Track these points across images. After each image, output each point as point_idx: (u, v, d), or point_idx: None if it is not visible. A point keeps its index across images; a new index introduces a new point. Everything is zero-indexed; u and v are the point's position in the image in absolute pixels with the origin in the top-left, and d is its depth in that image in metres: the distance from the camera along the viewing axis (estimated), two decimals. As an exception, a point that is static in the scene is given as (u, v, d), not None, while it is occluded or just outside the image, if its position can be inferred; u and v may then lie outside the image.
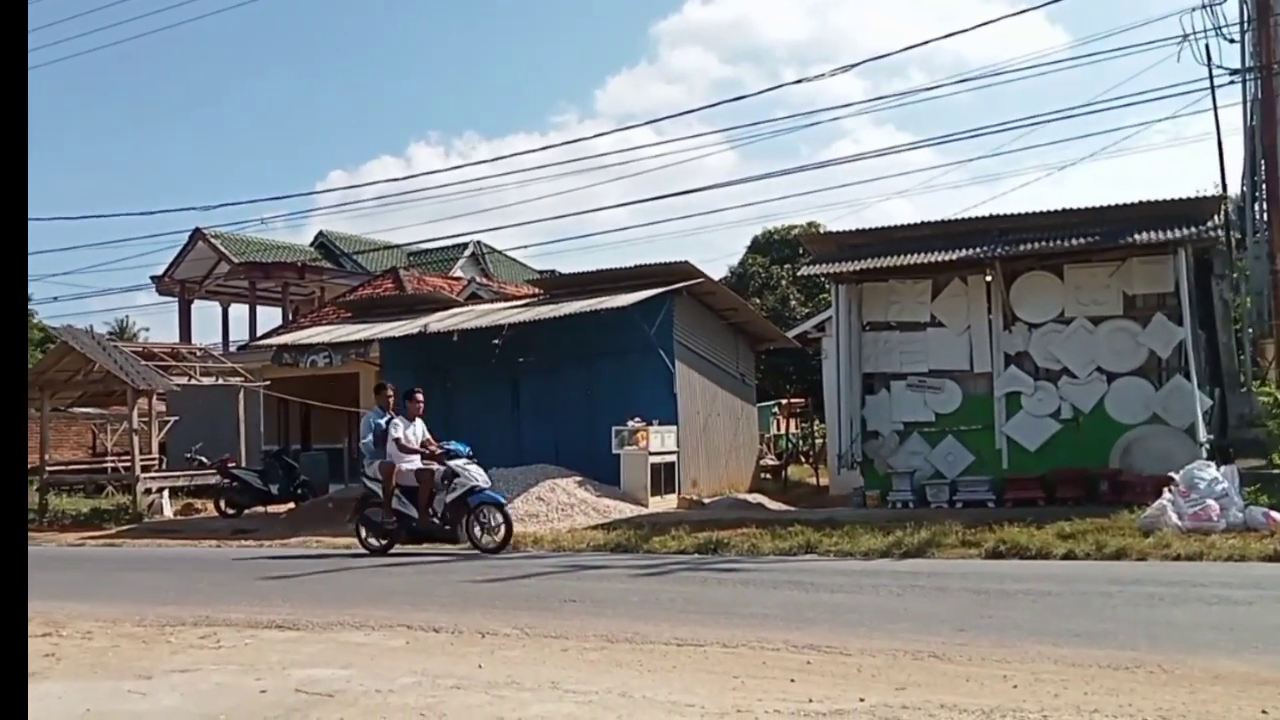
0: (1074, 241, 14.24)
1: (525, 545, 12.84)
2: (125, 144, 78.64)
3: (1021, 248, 14.44)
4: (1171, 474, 11.56)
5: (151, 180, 74.24)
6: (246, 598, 9.49)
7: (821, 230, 23.50)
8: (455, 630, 7.39)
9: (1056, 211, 14.85)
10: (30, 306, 31.69)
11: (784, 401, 26.30)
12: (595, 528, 13.87)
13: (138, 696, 5.64)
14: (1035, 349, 14.95)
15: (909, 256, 14.99)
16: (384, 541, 12.85)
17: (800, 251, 27.02)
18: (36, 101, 70.14)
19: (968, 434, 15.12)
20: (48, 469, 21.29)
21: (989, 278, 15.09)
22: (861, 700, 5.11)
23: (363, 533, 12.99)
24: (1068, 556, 10.12)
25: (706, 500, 17.37)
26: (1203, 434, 13.36)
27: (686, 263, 17.95)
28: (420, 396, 13.39)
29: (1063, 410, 14.72)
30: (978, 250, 14.64)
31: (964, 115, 79.53)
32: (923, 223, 15.86)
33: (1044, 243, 14.38)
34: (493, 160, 58.99)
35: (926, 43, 44.01)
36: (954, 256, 14.73)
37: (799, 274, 24.70)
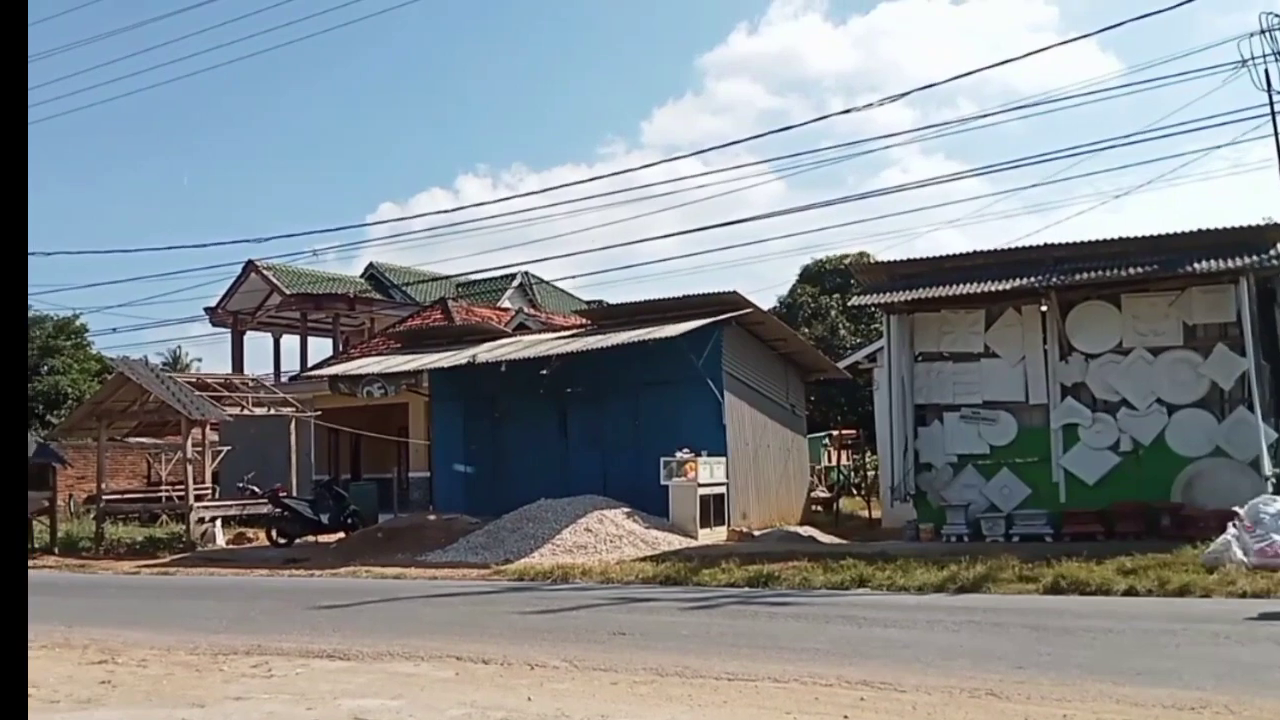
0: (1132, 270, 14.00)
1: (574, 577, 12.81)
2: (180, 177, 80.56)
3: (1078, 277, 14.22)
4: (1236, 508, 11.26)
5: (205, 213, 75.86)
6: (298, 627, 9.56)
7: (872, 260, 23.35)
8: (504, 662, 7.38)
9: (1113, 240, 14.60)
10: (88, 336, 32.48)
11: (835, 433, 26.05)
12: (644, 560, 13.80)
13: (191, 725, 5.68)
14: (1093, 380, 14.69)
15: (962, 286, 14.83)
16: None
17: (850, 281, 26.87)
18: (92, 136, 72.14)
19: (1024, 466, 14.87)
20: (104, 497, 21.64)
21: (1044, 307, 14.88)
22: (917, 739, 5.02)
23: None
24: (1129, 593, 9.89)
25: (756, 533, 17.22)
26: (1268, 467, 13.01)
27: (735, 293, 17.91)
28: None
29: (1122, 443, 14.42)
30: (1032, 280, 14.43)
31: (1015, 143, 78.83)
32: (975, 252, 15.70)
33: (1101, 272, 14.16)
34: (540, 191, 59.46)
35: (976, 71, 43.62)
36: (1008, 286, 14.55)
37: (849, 304, 24.53)
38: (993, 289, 14.65)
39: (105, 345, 36.22)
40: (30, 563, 18.79)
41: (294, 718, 5.78)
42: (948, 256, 15.81)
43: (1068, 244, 15.04)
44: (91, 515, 21.91)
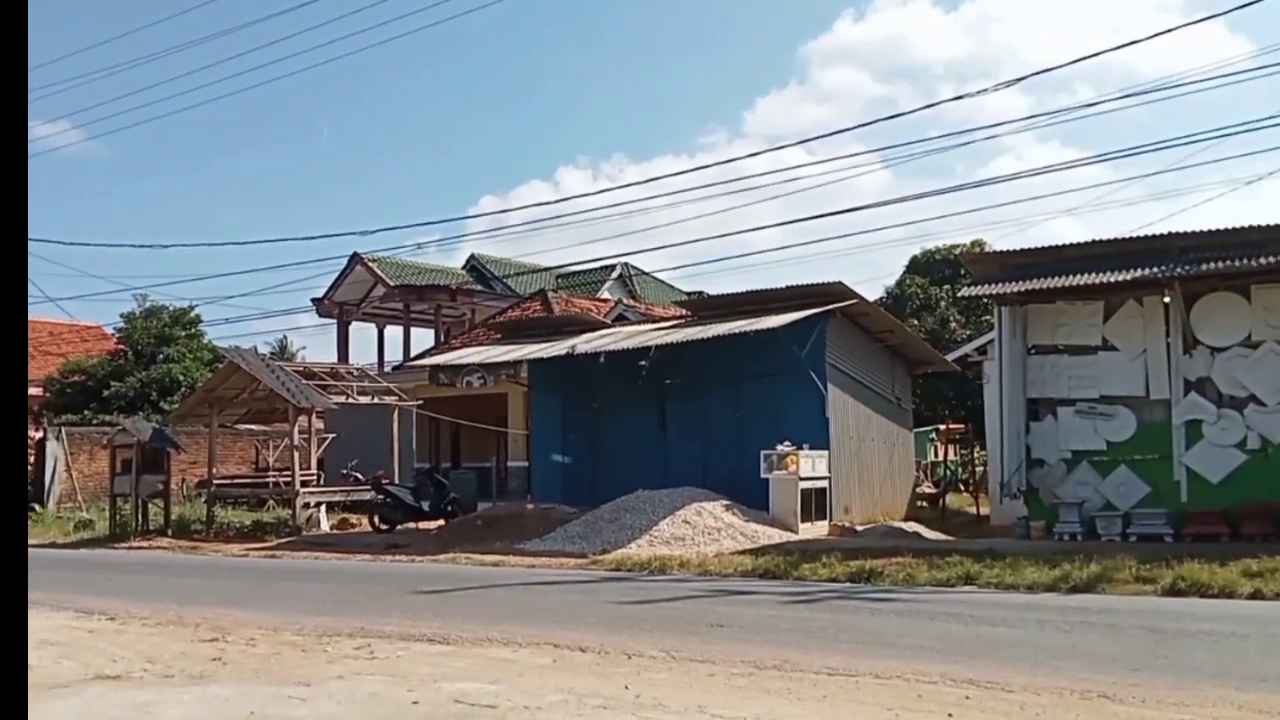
0: (1262, 260, 13.28)
1: (671, 568, 12.76)
2: (289, 171, 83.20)
3: (1204, 267, 13.57)
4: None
5: (313, 206, 78.21)
6: (399, 611, 9.72)
7: (986, 249, 22.70)
8: (601, 650, 7.37)
9: (1243, 228, 13.88)
10: (201, 326, 33.66)
11: (942, 427, 25.43)
12: (743, 553, 13.68)
13: (298, 702, 5.81)
14: (1218, 374, 14.02)
15: (1079, 277, 14.29)
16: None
17: (961, 272, 26.20)
18: (205, 131, 74.93)
19: (1142, 464, 14.29)
20: (215, 482, 22.39)
21: (1167, 299, 14.26)
22: (1026, 741, 4.82)
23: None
24: (1254, 596, 9.42)
25: (859, 528, 16.92)
26: None
27: (840, 283, 17.61)
28: None
29: (1249, 440, 13.75)
30: (1155, 270, 13.84)
31: (1137, 128, 75.67)
32: (1094, 241, 15.11)
33: (1229, 261, 13.48)
34: (641, 183, 59.35)
35: (1097, 55, 41.93)
36: (1129, 276, 13.97)
37: (960, 295, 23.91)
38: (1112, 279, 14.08)
39: (217, 335, 37.49)
40: (145, 543, 19.64)
41: (395, 698, 5.85)
42: (1064, 246, 15.27)
43: (1193, 232, 14.36)
44: (202, 499, 22.75)
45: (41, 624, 9.01)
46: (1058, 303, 14.92)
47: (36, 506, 25.98)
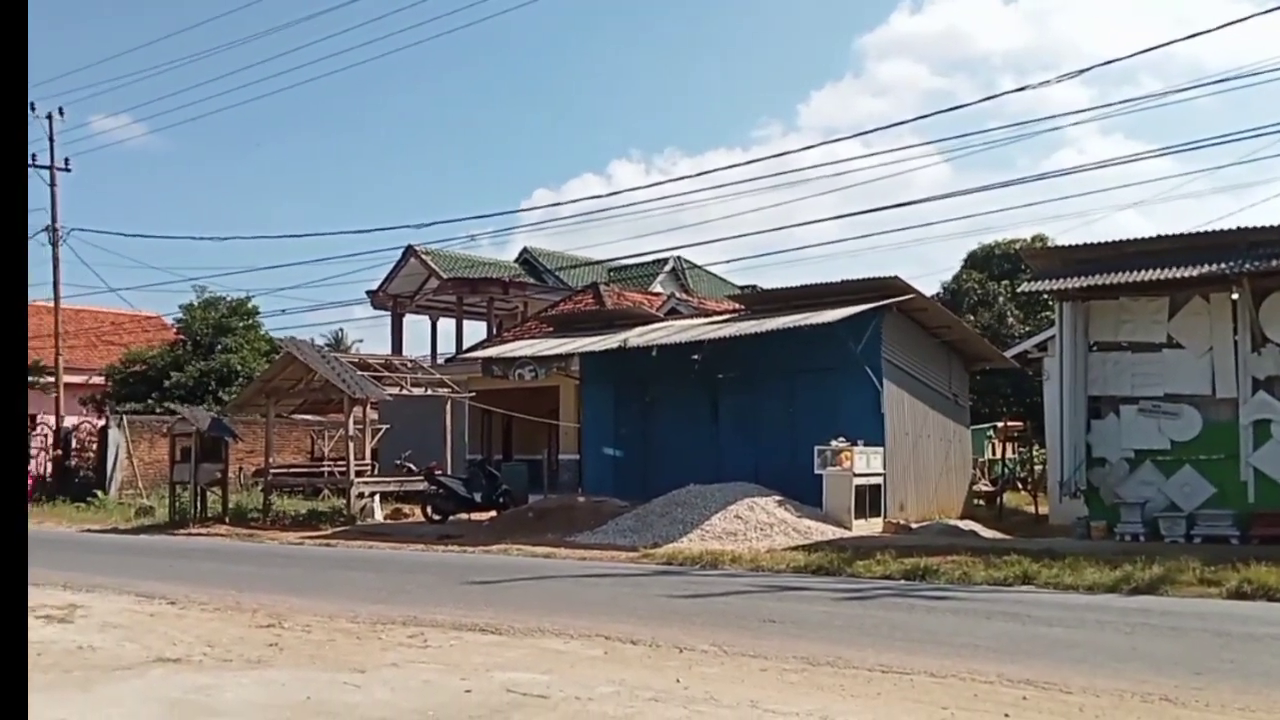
0: (1337, 255, 12.88)
1: (723, 563, 12.71)
2: (344, 165, 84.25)
3: (1274, 263, 13.18)
4: None
5: (367, 199, 79.11)
6: (452, 600, 9.79)
7: (1046, 244, 22.28)
8: (653, 644, 7.35)
9: (1316, 223, 13.47)
10: (259, 317, 34.21)
11: (1000, 424, 25.05)
12: (795, 549, 13.58)
13: (353, 689, 5.87)
14: (1289, 373, 13.62)
15: (1143, 272, 13.97)
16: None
17: (1021, 267, 25.75)
18: (264, 127, 76.01)
19: (1208, 464, 13.94)
20: (272, 471, 22.76)
21: (1235, 295, 13.88)
22: (1085, 741, 4.72)
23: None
24: (1325, 601, 9.12)
25: (914, 525, 16.71)
26: None
27: (896, 278, 17.38)
28: None
29: (1320, 441, 13.33)
30: (1222, 265, 13.48)
31: (1205, 120, 73.82)
32: (1159, 236, 14.75)
33: (1301, 257, 13.08)
34: (694, 176, 59.22)
35: (1163, 45, 40.92)
36: (1195, 272, 13.63)
37: (1019, 290, 23.51)
38: (1178, 275, 13.75)
39: (274, 326, 38.11)
40: (204, 530, 20.02)
41: (448, 686, 5.89)
42: (1128, 241, 14.92)
43: (1264, 227, 13.94)
44: (259, 487, 23.13)
45: (105, 607, 9.22)
46: (1121, 299, 14.60)
47: (99, 493, 26.62)
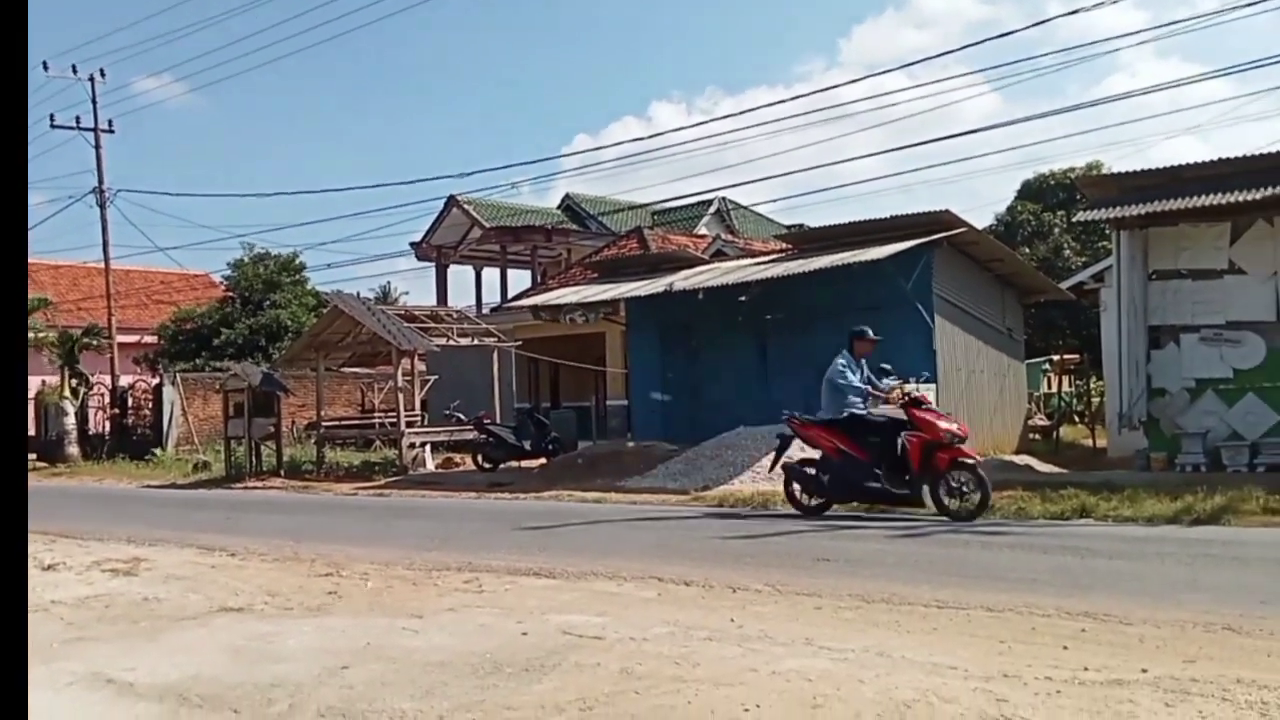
0: (1406, 172, 12.38)
1: (775, 504, 12.68)
2: (384, 117, 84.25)
3: (1340, 183, 12.72)
4: None
5: (409, 151, 79.19)
6: (505, 546, 9.87)
7: (1104, 171, 21.67)
8: (706, 584, 7.35)
9: (1385, 137, 12.93)
10: (306, 273, 34.52)
11: (1055, 358, 24.63)
12: (848, 487, 13.47)
13: (411, 634, 5.93)
14: (1356, 297, 13.20)
15: (1203, 197, 13.52)
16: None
17: (1076, 196, 25.12)
18: (302, 82, 76.03)
19: (1272, 391, 13.62)
20: (323, 424, 23.08)
21: (1300, 217, 13.42)
22: (1144, 671, 4.66)
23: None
24: (1395, 528, 8.90)
25: (968, 461, 16.51)
26: None
27: (947, 211, 17.01)
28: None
29: (1390, 365, 12.95)
30: (1286, 187, 13.01)
31: (1266, 40, 71.27)
32: (1219, 160, 14.26)
33: (1368, 175, 12.60)
34: (736, 114, 58.47)
35: (1219, -38, 39.37)
36: (1258, 195, 13.16)
37: (1075, 220, 22.92)
38: (1240, 199, 13.28)
39: (321, 280, 38.52)
40: (260, 483, 20.40)
41: (504, 630, 5.93)
42: (1187, 165, 14.46)
43: (1329, 146, 13.44)
44: (312, 440, 23.51)
45: (168, 560, 9.43)
46: (1180, 225, 14.19)
47: (157, 450, 27.23)
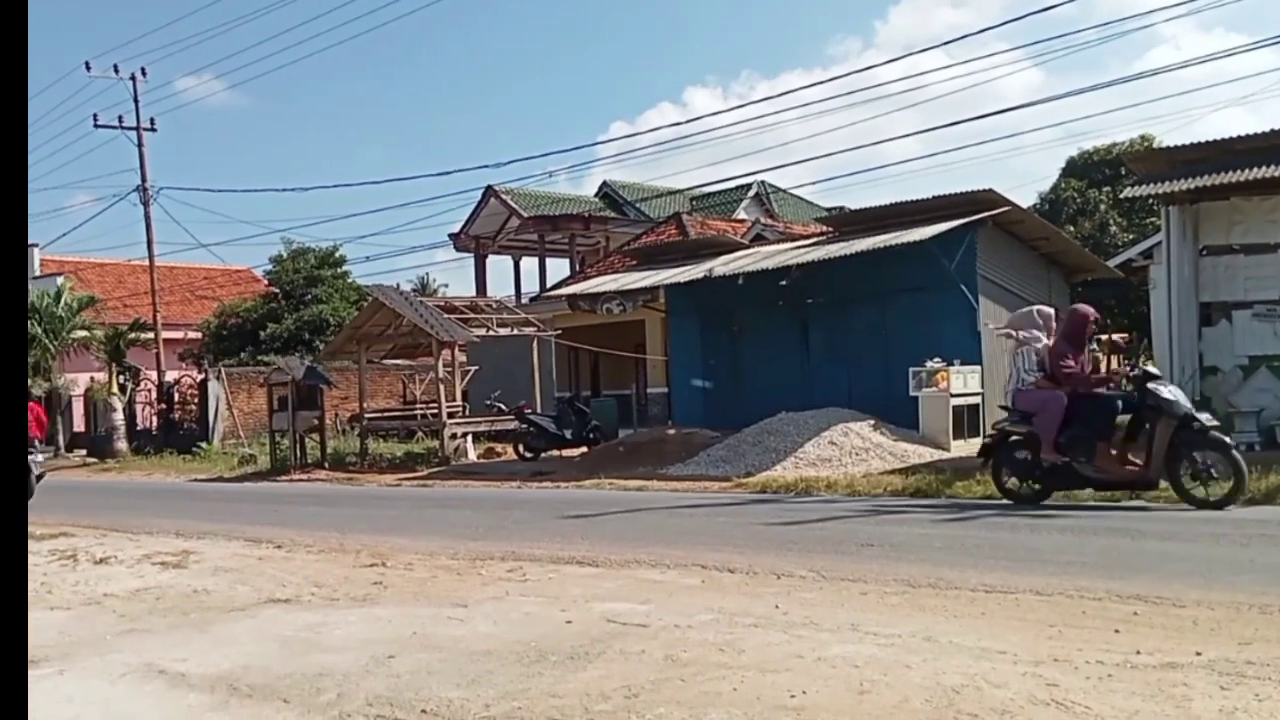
0: None
1: (818, 490, 12.61)
2: (420, 109, 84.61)
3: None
4: None
5: (445, 142, 79.49)
6: (548, 535, 9.89)
7: (1152, 144, 21.25)
8: (750, 571, 7.31)
9: None
10: (346, 266, 34.86)
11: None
12: (892, 472, 13.39)
13: (456, 622, 5.95)
14: None
15: (1256, 170, 13.24)
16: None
17: (1123, 172, 24.66)
18: (338, 76, 76.51)
19: (1328, 368, 13.30)
20: (366, 416, 23.28)
21: (1355, 189, 13.09)
22: (1198, 654, 4.56)
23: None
24: None
25: (1014, 444, 16.31)
26: None
27: (990, 190, 16.77)
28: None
29: None
30: (1342, 158, 12.70)
31: (1314, 9, 69.37)
32: (1272, 131, 13.92)
33: None
34: (772, 98, 57.97)
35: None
36: (1313, 166, 12.87)
37: (1122, 196, 22.49)
38: (1294, 171, 13.01)
39: (361, 273, 38.85)
40: (305, 476, 20.61)
41: (549, 618, 5.93)
42: (1238, 138, 14.15)
43: (1386, 113, 13.08)
44: (355, 432, 23.72)
45: (216, 552, 9.55)
46: (1232, 199, 13.91)
47: (203, 444, 27.65)
